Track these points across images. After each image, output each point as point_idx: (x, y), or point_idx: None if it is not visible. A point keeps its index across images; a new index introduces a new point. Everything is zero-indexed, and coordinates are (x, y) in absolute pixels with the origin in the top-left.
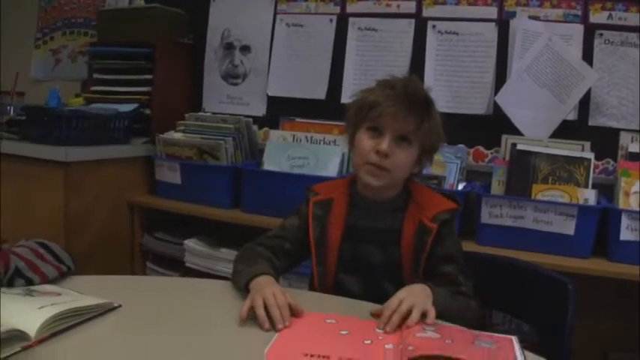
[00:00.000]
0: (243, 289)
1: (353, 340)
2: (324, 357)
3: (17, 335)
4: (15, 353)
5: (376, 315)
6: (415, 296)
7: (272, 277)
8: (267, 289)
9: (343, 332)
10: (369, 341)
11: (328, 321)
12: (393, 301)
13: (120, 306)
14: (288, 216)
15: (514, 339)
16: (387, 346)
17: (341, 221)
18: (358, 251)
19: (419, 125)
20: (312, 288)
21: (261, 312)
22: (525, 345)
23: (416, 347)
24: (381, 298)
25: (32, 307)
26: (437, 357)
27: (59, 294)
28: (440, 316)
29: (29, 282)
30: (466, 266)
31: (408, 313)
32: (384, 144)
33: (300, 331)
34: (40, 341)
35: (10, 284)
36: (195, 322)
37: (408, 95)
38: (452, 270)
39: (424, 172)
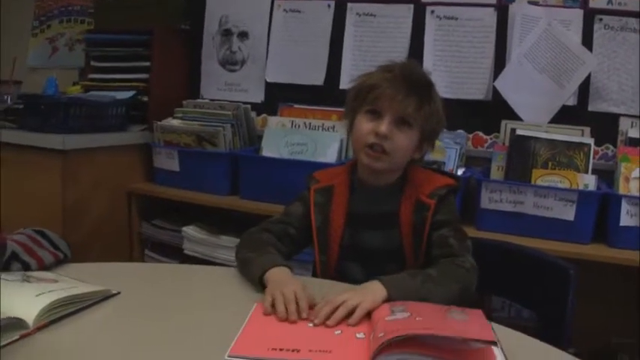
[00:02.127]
0: (257, 281)
1: (322, 332)
2: (294, 350)
3: (15, 323)
4: (14, 341)
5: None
6: (362, 296)
7: (287, 269)
8: (288, 285)
9: (311, 325)
10: (339, 332)
11: None
12: (336, 299)
13: (118, 293)
14: (292, 202)
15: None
16: (357, 335)
17: (343, 208)
18: (359, 237)
19: (419, 107)
20: (314, 276)
21: (282, 308)
22: (525, 331)
23: (386, 332)
24: None
25: (30, 295)
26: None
27: (56, 281)
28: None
29: (26, 266)
30: (463, 231)
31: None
32: (383, 126)
33: (266, 326)
34: (39, 329)
35: (7, 268)
36: (195, 308)
37: (406, 77)
38: (444, 233)
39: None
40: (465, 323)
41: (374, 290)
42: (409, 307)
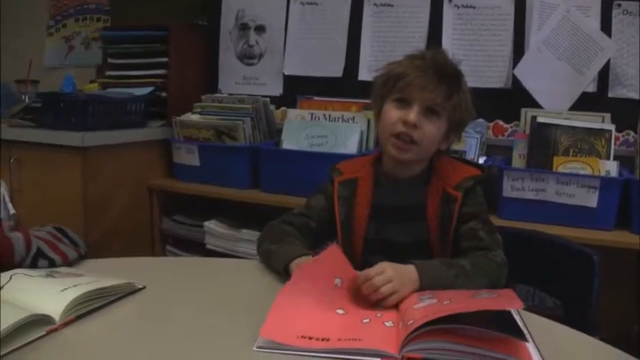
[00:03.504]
0: (283, 272)
1: (350, 320)
2: (323, 339)
3: (42, 319)
4: (40, 337)
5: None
6: (398, 285)
7: (311, 257)
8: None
9: (340, 312)
10: (368, 320)
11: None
12: (379, 279)
13: (144, 287)
14: (314, 194)
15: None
16: (386, 324)
17: (367, 201)
18: (384, 231)
19: (448, 97)
20: None
21: None
22: (550, 319)
23: (415, 320)
24: None
25: (55, 290)
26: (437, 321)
27: (81, 275)
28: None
29: (51, 262)
30: (491, 223)
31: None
32: (412, 114)
33: (294, 311)
34: (65, 324)
35: (34, 264)
36: (220, 301)
37: (437, 66)
38: (473, 225)
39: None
40: (493, 299)
41: (410, 280)
42: (437, 295)
